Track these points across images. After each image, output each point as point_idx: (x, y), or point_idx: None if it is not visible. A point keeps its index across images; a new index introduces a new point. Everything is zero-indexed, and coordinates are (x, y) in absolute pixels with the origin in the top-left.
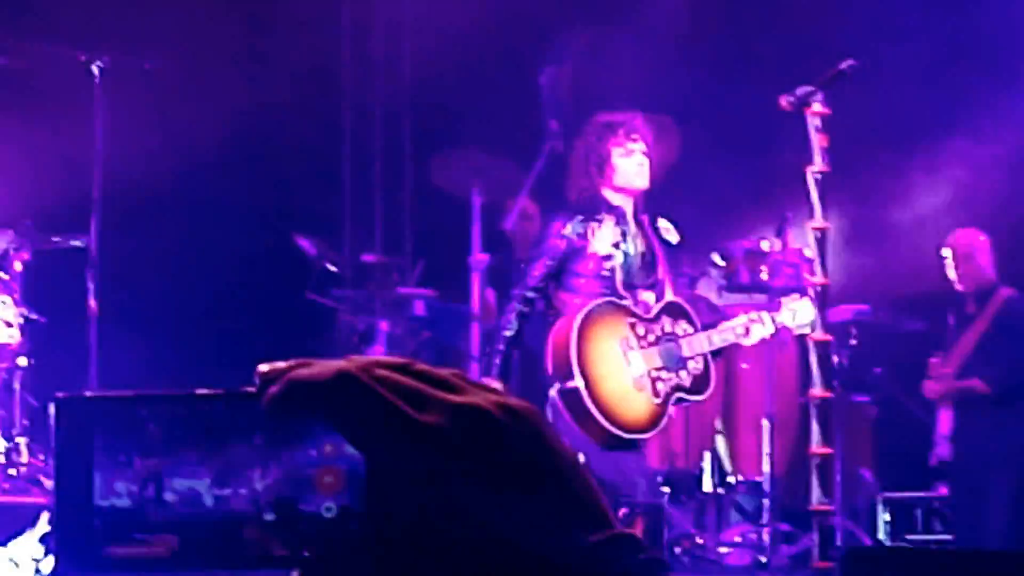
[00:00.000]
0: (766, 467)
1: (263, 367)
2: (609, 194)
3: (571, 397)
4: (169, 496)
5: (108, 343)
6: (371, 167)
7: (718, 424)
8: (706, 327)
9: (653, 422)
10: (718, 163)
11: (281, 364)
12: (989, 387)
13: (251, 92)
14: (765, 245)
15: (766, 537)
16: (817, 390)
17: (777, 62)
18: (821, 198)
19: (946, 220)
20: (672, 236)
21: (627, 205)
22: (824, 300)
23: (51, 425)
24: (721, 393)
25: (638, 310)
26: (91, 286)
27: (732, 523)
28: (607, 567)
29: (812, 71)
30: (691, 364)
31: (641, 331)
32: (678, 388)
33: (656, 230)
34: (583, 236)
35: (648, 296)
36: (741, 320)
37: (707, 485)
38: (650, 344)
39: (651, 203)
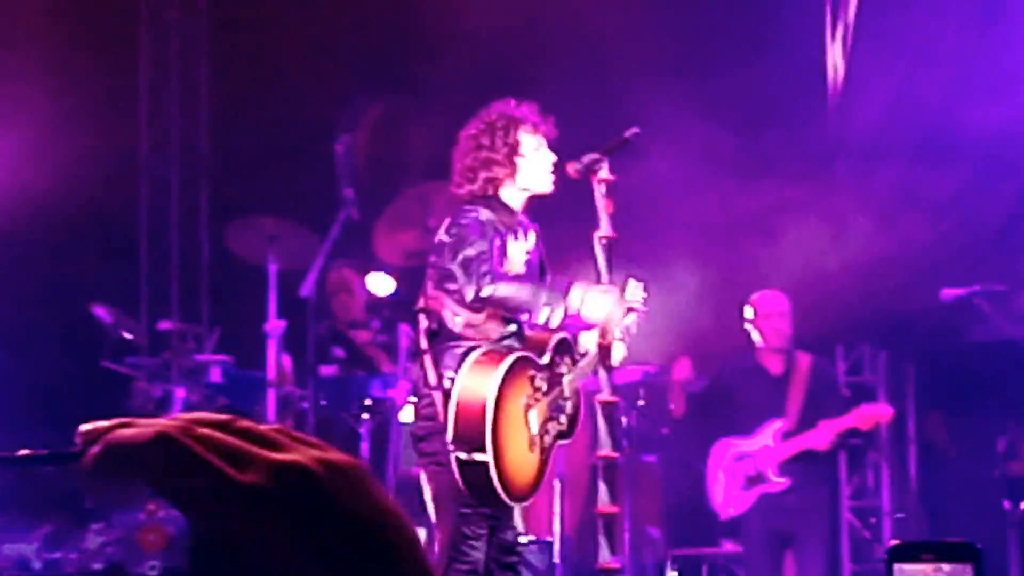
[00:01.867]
0: (557, 527)
1: (84, 427)
2: (509, 194)
3: (476, 471)
4: None
5: None
6: (167, 235)
7: None
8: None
9: (538, 480)
10: None
11: (103, 423)
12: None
13: (47, 161)
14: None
15: None
16: (604, 450)
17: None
18: (608, 263)
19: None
20: None
21: (519, 208)
22: (610, 362)
23: None
24: None
25: (534, 356)
26: None
27: None
28: None
29: (599, 137)
30: (568, 404)
31: (540, 383)
32: (560, 435)
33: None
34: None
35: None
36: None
37: None
38: (544, 395)
39: None
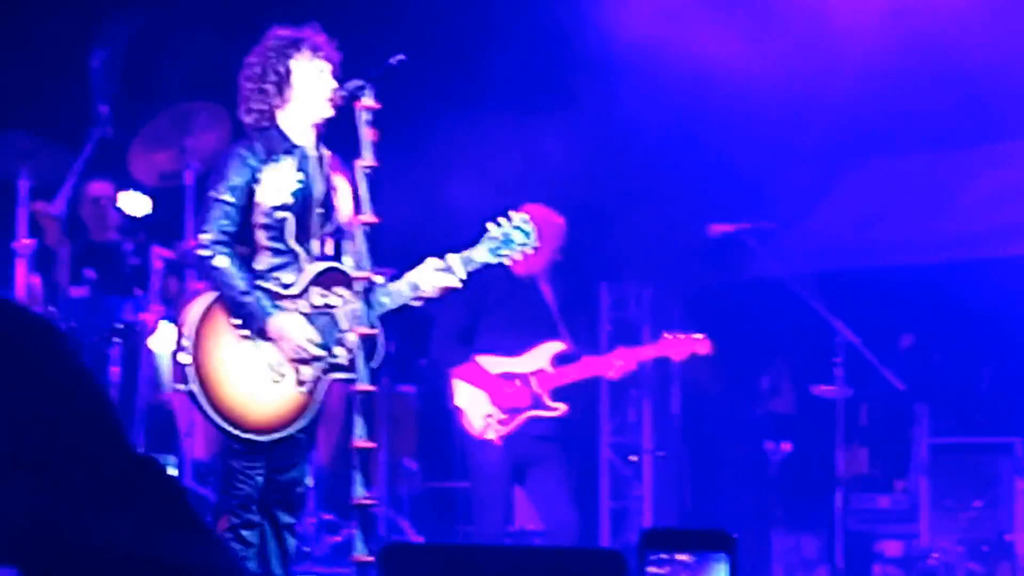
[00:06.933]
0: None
1: None
2: (288, 122)
3: (191, 399)
4: None
5: None
6: None
7: None
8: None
9: (298, 413)
10: None
11: None
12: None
13: None
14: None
15: (310, 527)
16: (361, 383)
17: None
18: (369, 191)
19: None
20: None
21: (308, 138)
22: (371, 294)
23: None
24: None
25: (275, 286)
26: None
27: None
28: None
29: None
30: (350, 338)
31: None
32: (333, 368)
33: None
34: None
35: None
36: (424, 273)
37: None
38: None
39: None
